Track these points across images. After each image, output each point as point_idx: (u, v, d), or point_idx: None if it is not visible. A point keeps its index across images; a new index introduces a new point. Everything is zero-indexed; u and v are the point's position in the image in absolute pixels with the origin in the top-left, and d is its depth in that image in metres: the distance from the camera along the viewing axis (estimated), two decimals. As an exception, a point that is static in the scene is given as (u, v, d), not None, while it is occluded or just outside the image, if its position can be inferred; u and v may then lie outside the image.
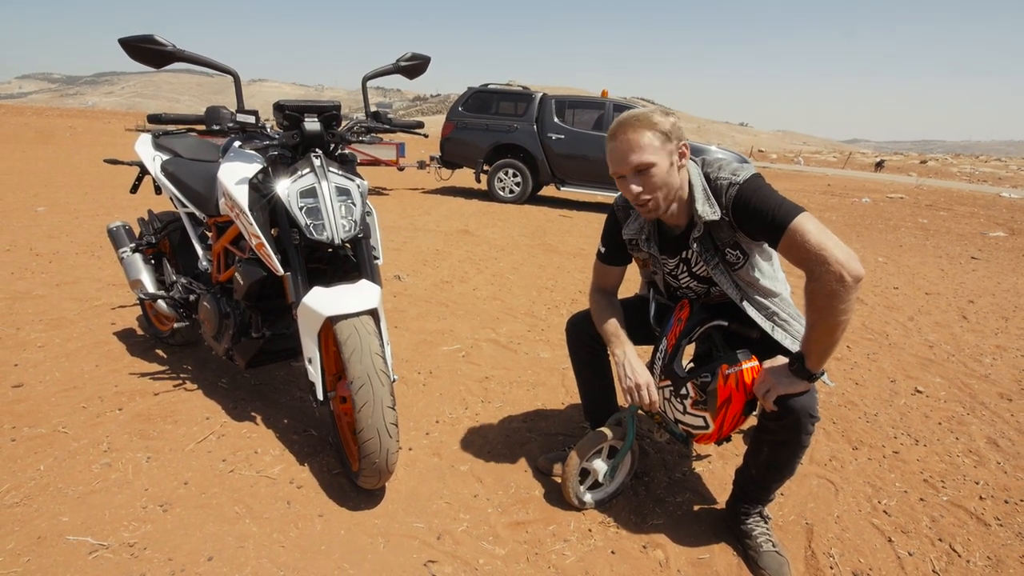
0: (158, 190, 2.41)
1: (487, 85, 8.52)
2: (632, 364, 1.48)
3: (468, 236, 5.63)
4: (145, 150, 2.28)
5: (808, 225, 1.22)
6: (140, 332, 2.64)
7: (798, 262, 1.24)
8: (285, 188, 1.56)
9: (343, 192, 1.61)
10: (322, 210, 1.56)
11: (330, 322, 1.51)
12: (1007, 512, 1.79)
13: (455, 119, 8.41)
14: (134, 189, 2.55)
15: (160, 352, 2.47)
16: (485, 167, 8.42)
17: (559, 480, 1.75)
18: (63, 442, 1.75)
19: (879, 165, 31.30)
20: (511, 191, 8.26)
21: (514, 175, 8.19)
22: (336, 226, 1.56)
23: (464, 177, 10.71)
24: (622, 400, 1.84)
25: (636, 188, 1.32)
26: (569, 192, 8.27)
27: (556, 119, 8.00)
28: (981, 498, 1.85)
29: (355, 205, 1.62)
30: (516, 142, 8.10)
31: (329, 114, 1.63)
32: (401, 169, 10.49)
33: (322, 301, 1.50)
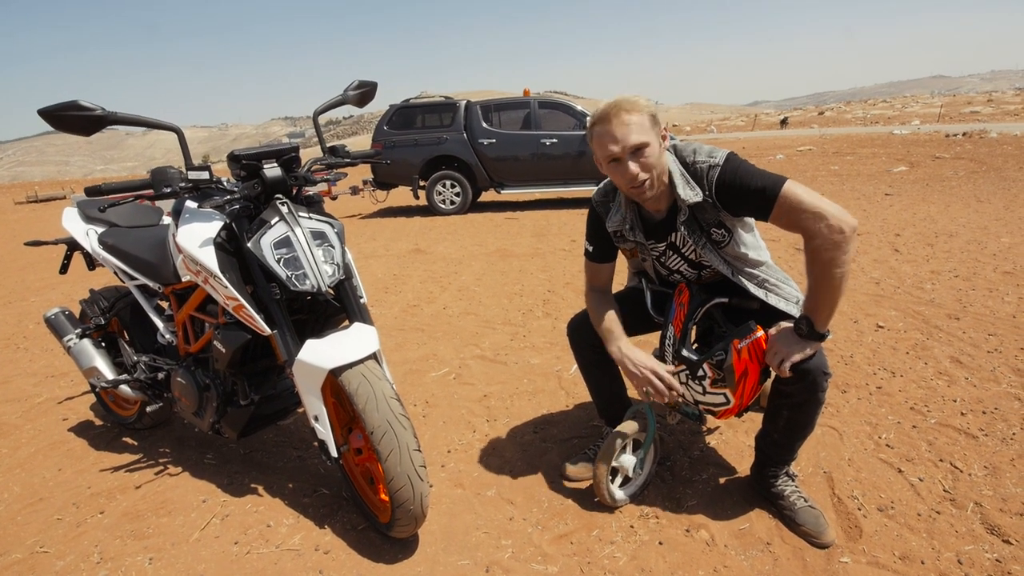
0: (91, 266, 2.20)
1: (408, 100, 8.42)
2: (632, 357, 1.49)
3: (421, 255, 5.53)
4: (75, 225, 2.08)
5: (797, 190, 1.28)
6: (99, 422, 2.41)
7: (794, 226, 1.30)
8: (256, 242, 1.46)
9: (318, 236, 1.53)
10: (301, 258, 1.47)
11: (332, 374, 1.43)
12: (987, 422, 1.95)
13: (382, 139, 8.24)
14: (64, 269, 2.32)
15: (129, 440, 2.26)
16: (421, 182, 8.31)
17: (587, 484, 1.75)
18: (46, 564, 1.56)
19: (783, 122, 33.52)
20: (452, 202, 8.20)
21: (452, 186, 8.13)
22: (320, 273, 1.48)
23: (401, 196, 10.52)
24: (633, 393, 1.86)
25: (635, 168, 1.34)
26: (510, 194, 8.31)
27: (484, 124, 8.01)
28: (963, 414, 2.01)
29: (334, 248, 1.54)
30: (448, 153, 8.04)
31: (288, 157, 1.55)
32: (334, 198, 10.17)
33: (321, 354, 1.42)
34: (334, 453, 1.48)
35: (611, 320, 1.58)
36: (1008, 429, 1.89)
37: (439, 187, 8.15)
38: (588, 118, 1.40)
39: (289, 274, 1.45)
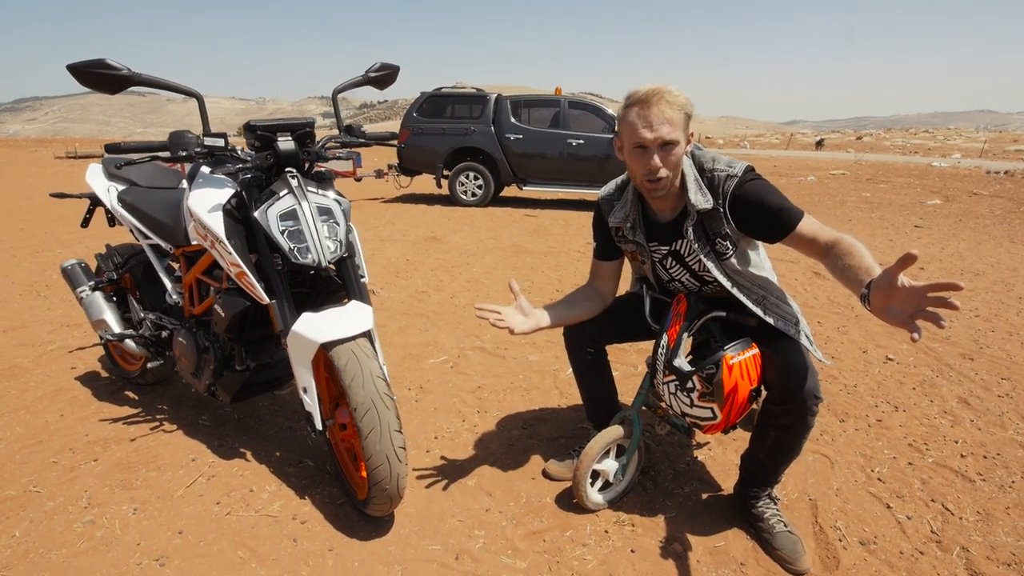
0: (111, 222, 2.27)
1: (440, 89, 8.44)
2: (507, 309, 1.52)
3: (436, 243, 5.56)
4: (98, 181, 2.14)
5: (813, 227, 1.30)
6: (105, 374, 2.48)
7: (808, 254, 1.33)
8: (263, 212, 1.48)
9: (324, 212, 1.55)
10: (305, 232, 1.49)
11: (324, 348, 1.45)
12: (987, 467, 1.89)
13: (411, 125, 8.29)
14: (85, 223, 2.39)
15: (130, 394, 2.32)
16: (445, 172, 8.34)
17: (569, 484, 1.75)
18: (37, 502, 1.62)
19: (819, 144, 32.84)
20: (473, 194, 8.22)
21: (475, 178, 8.15)
22: (321, 248, 1.50)
23: (424, 183, 10.58)
24: (623, 399, 1.86)
25: (657, 162, 1.32)
26: (532, 191, 8.29)
27: (513, 119, 8.00)
28: (962, 456, 1.96)
29: (338, 224, 1.56)
30: (475, 144, 8.06)
31: (303, 132, 1.57)
32: (359, 179, 10.27)
33: (314, 327, 1.44)
34: (319, 426, 1.50)
35: (560, 301, 1.68)
36: (1008, 476, 1.84)
37: (462, 178, 8.18)
38: (625, 98, 1.36)
39: (292, 246, 1.48)
